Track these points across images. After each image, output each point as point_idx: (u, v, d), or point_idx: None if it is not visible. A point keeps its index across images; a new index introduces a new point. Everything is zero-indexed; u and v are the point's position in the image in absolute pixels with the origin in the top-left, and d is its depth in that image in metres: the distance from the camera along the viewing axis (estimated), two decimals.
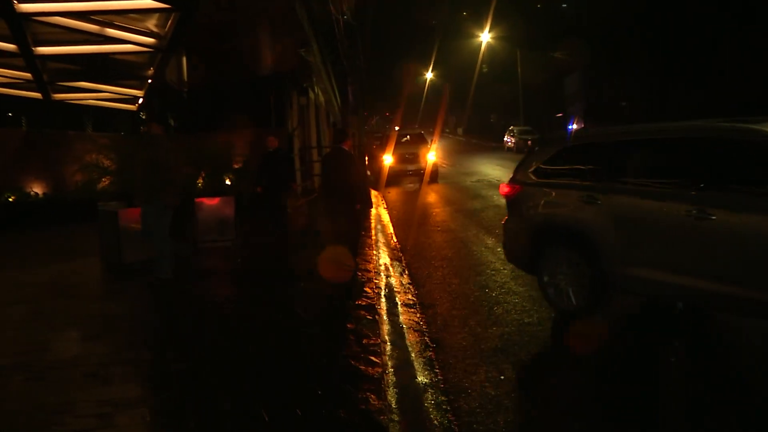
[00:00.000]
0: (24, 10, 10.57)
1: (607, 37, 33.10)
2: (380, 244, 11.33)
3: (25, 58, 13.08)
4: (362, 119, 28.02)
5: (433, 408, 4.62)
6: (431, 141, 27.69)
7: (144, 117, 20.95)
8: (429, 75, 72.71)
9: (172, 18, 11.73)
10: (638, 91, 32.74)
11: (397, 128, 46.42)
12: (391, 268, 9.50)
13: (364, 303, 7.12)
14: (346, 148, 8.64)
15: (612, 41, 33.24)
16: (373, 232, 12.48)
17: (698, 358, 5.52)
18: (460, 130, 75.38)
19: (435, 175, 24.69)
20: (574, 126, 39.32)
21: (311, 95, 26.02)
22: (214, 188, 14.96)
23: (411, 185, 23.99)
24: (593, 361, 5.56)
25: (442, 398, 4.79)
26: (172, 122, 20.53)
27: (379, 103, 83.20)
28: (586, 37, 34.63)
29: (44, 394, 4.83)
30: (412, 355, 5.73)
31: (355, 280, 7.97)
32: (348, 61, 27.31)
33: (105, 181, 15.41)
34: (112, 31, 11.99)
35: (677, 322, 6.53)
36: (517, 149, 40.61)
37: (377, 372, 5.01)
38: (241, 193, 13.26)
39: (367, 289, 7.72)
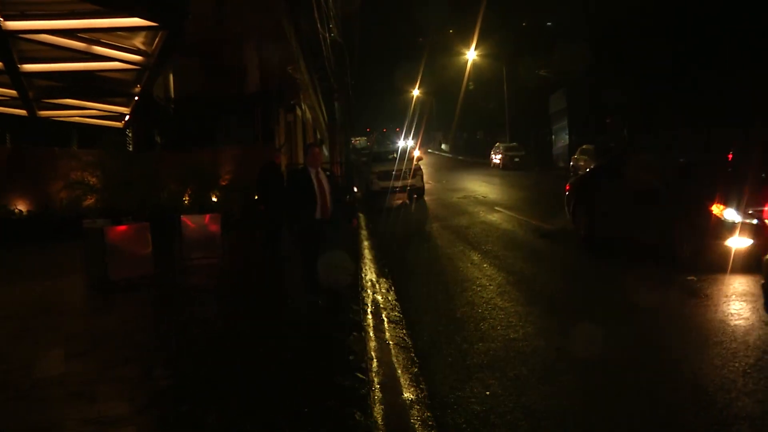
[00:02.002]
0: (10, 28, 10.57)
1: (596, 51, 33.39)
2: (366, 261, 11.35)
3: (10, 76, 13.04)
4: (349, 135, 28.22)
5: (419, 424, 4.64)
6: (417, 157, 27.84)
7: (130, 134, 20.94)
8: (416, 92, 73.16)
9: (159, 36, 11.76)
10: (623, 106, 33.03)
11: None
12: (377, 285, 9.53)
13: (350, 319, 7.13)
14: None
15: (598, 56, 33.56)
16: (359, 248, 12.51)
17: None
18: (446, 147, 75.75)
19: (421, 192, 24.78)
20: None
21: (298, 112, 26.13)
22: (201, 205, 14.96)
23: (397, 201, 24.06)
24: (579, 376, 5.60)
25: (428, 414, 4.80)
26: (158, 139, 20.54)
27: (380, 118, 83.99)
28: (571, 54, 34.93)
29: (29, 413, 4.81)
30: (399, 371, 5.75)
31: (341, 297, 7.99)
32: (335, 78, 27.51)
33: (90, 199, 15.36)
34: (98, 49, 12.00)
35: None
36: (503, 166, 40.87)
37: (363, 388, 5.02)
38: (230, 209, 13.26)
39: (353, 306, 7.73)
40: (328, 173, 8.06)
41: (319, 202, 7.58)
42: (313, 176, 7.62)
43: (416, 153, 30.18)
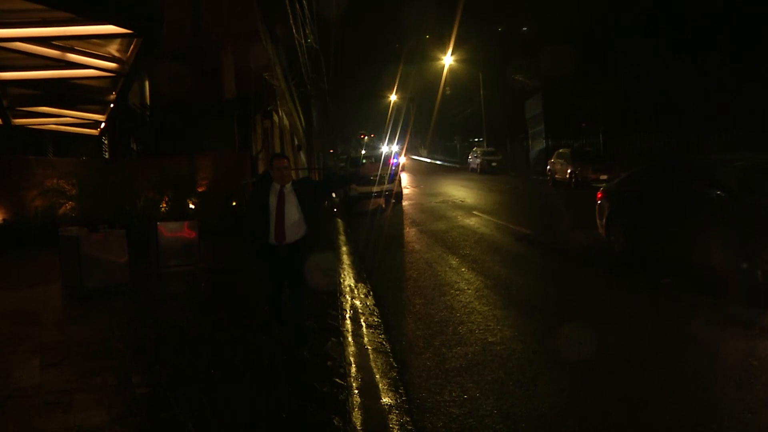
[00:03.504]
0: None
1: (580, 52, 33.62)
2: (345, 266, 11.37)
3: None
4: (327, 141, 28.27)
5: (397, 429, 4.67)
6: (403, 164, 27.88)
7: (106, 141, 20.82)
8: (393, 97, 73.30)
9: (134, 43, 11.71)
10: (598, 110, 33.38)
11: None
12: (355, 290, 9.54)
13: (328, 325, 7.15)
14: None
15: (573, 61, 33.85)
16: (337, 254, 12.52)
17: None
18: (423, 152, 76.02)
19: (399, 197, 24.81)
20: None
21: (275, 118, 26.09)
22: (178, 212, 14.89)
23: (375, 206, 24.07)
24: (555, 378, 5.66)
25: (407, 419, 4.84)
26: (134, 146, 20.44)
27: (359, 124, 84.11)
28: (554, 57, 35.14)
29: (5, 423, 4.77)
30: (377, 376, 5.78)
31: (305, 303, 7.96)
32: (312, 84, 27.53)
33: (67, 207, 15.23)
34: (73, 56, 11.92)
35: None
36: (480, 170, 41.08)
37: (342, 394, 5.05)
38: (207, 216, 13.19)
39: (332, 311, 7.75)
40: (306, 183, 6.92)
41: (275, 226, 6.14)
42: (274, 194, 6.19)
43: (402, 159, 29.94)
